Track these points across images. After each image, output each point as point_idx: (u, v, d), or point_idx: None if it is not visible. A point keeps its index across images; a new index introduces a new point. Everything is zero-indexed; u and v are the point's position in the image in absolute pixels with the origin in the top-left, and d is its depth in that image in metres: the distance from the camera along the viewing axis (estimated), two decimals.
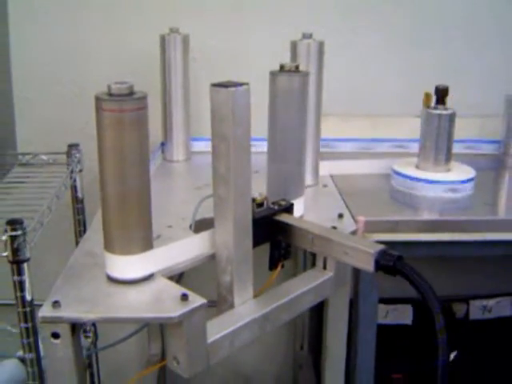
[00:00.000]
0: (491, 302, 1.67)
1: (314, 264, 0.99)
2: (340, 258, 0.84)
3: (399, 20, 1.56)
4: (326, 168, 1.28)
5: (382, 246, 0.79)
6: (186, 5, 1.51)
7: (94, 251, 0.87)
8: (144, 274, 0.79)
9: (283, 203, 0.93)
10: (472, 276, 1.71)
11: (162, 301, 0.75)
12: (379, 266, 0.78)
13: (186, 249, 0.85)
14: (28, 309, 0.82)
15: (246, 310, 0.85)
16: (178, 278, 0.90)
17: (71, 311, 0.72)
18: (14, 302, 1.11)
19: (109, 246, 0.78)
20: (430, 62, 1.59)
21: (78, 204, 1.18)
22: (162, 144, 1.43)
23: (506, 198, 1.26)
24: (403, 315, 1.62)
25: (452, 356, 1.55)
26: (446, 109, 1.21)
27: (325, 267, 0.98)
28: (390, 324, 1.60)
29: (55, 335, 0.73)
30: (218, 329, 0.79)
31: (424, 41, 1.58)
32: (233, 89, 0.76)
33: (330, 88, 1.37)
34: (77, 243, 1.19)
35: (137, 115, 0.72)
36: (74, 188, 1.15)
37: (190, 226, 0.99)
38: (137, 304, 0.74)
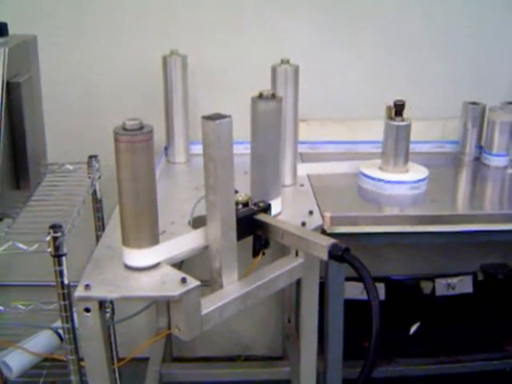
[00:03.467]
0: (455, 280, 1.91)
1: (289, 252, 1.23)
2: (303, 249, 1.08)
3: (370, 32, 1.78)
4: (304, 169, 1.51)
5: (333, 240, 1.03)
6: (184, 27, 1.74)
7: (113, 245, 1.11)
8: (152, 262, 1.03)
9: (262, 205, 1.17)
10: (438, 258, 1.96)
11: (167, 283, 0.99)
12: (331, 255, 1.02)
13: (185, 242, 1.09)
14: (66, 290, 1.07)
15: (232, 289, 1.09)
16: (180, 265, 1.15)
17: (99, 292, 0.97)
18: (40, 283, 1.38)
19: (125, 242, 1.02)
20: (399, 69, 1.81)
21: (97, 203, 1.43)
22: (166, 148, 1.67)
23: (451, 195, 1.50)
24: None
25: (415, 326, 1.81)
26: (403, 120, 1.44)
27: (297, 254, 1.22)
28: (364, 299, 1.84)
29: (87, 310, 0.97)
30: (209, 304, 1.03)
31: (393, 51, 1.79)
32: (218, 121, 1.00)
33: (310, 96, 1.61)
34: (97, 237, 1.43)
35: (146, 144, 0.96)
36: (94, 191, 1.39)
37: (189, 223, 1.23)
38: (147, 286, 0.99)
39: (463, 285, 1.92)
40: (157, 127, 1.02)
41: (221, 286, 1.09)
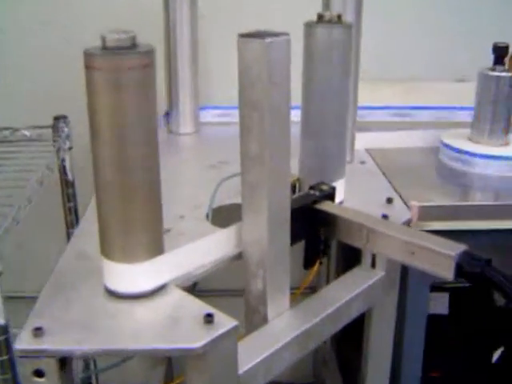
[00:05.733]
0: None
1: (356, 260, 0.81)
2: (403, 260, 0.66)
3: None
4: (361, 141, 1.08)
5: (463, 247, 0.61)
6: None
7: (88, 252, 0.69)
8: (154, 285, 0.60)
9: (325, 188, 0.75)
10: None
11: (179, 323, 0.56)
12: (461, 272, 0.60)
13: (205, 250, 0.67)
14: (2, 337, 0.64)
15: (282, 324, 0.67)
16: (192, 286, 0.72)
17: (59, 341, 0.54)
18: None
19: (107, 252, 0.59)
20: (479, 20, 1.37)
21: (68, 189, 0.99)
22: (167, 114, 1.23)
23: None
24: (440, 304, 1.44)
25: (499, 352, 1.39)
26: (505, 70, 1.02)
27: (373, 265, 0.79)
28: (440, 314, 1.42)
29: (38, 373, 0.55)
30: (250, 354, 0.61)
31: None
32: (269, 40, 0.57)
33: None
34: (68, 236, 1.00)
35: (141, 75, 0.53)
36: (62, 169, 0.96)
37: (207, 216, 0.81)
38: (146, 328, 0.56)
39: None
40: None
41: (264, 320, 0.67)
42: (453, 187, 1.00)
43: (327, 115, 0.79)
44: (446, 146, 1.05)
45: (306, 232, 0.72)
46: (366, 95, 1.21)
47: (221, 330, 0.55)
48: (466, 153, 1.01)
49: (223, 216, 0.82)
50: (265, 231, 0.64)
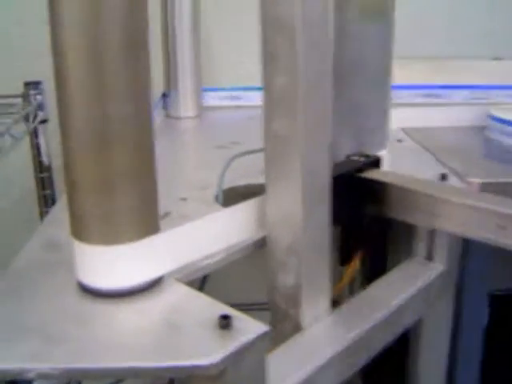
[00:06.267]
0: None
1: (405, 251, 0.63)
2: (489, 237, 0.48)
3: None
4: (394, 119, 0.91)
5: None
6: None
7: (59, 241, 0.51)
8: (146, 277, 0.43)
9: (369, 155, 0.57)
10: None
11: (183, 330, 0.39)
12: None
13: (215, 231, 0.49)
14: None
15: (323, 333, 0.49)
16: (201, 283, 0.54)
17: (6, 357, 0.36)
18: None
19: (79, 230, 0.42)
20: None
21: (42, 172, 0.81)
22: (164, 96, 1.06)
23: None
24: None
25: None
26: None
27: (429, 257, 0.62)
28: None
29: None
30: (281, 373, 0.44)
31: None
32: None
33: None
34: None
35: None
36: (35, 148, 0.78)
37: (216, 198, 0.63)
38: (135, 338, 0.38)
39: None
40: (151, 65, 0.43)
41: (297, 327, 0.49)
42: (508, 164, 0.82)
43: (367, 59, 0.62)
44: (498, 120, 0.87)
45: (346, 210, 0.55)
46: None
47: (243, 339, 0.37)
48: None
49: (237, 199, 0.65)
50: (298, 205, 0.46)
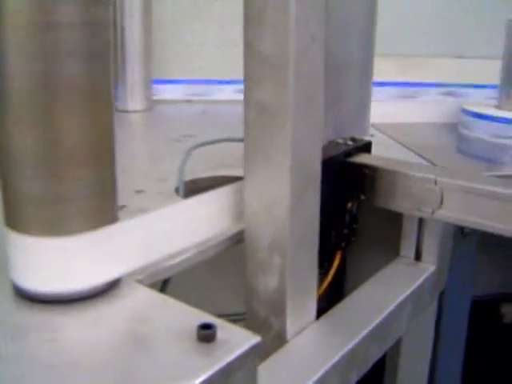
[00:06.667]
0: None
1: (390, 252, 0.57)
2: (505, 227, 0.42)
3: None
4: None
5: None
6: None
7: None
8: (101, 278, 0.34)
9: (358, 139, 0.50)
10: None
11: (152, 345, 0.30)
12: None
13: (185, 222, 0.40)
14: None
15: (311, 346, 0.42)
16: (162, 286, 0.46)
17: None
18: None
19: (15, 217, 0.32)
20: None
21: None
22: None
23: None
24: None
25: None
26: None
27: (418, 257, 0.55)
28: None
29: None
30: None
31: None
32: None
33: None
34: None
35: None
36: None
37: (177, 190, 0.55)
38: (90, 359, 0.29)
39: None
40: None
41: (280, 339, 0.41)
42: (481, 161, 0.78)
43: (348, 48, 0.56)
44: (473, 113, 0.83)
45: (332, 200, 0.47)
46: None
47: (231, 355, 0.29)
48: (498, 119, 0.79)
49: (198, 193, 0.57)
50: (285, 190, 0.38)
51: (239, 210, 0.42)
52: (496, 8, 1.15)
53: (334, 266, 0.53)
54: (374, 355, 0.46)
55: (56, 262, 0.32)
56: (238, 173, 0.63)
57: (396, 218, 0.57)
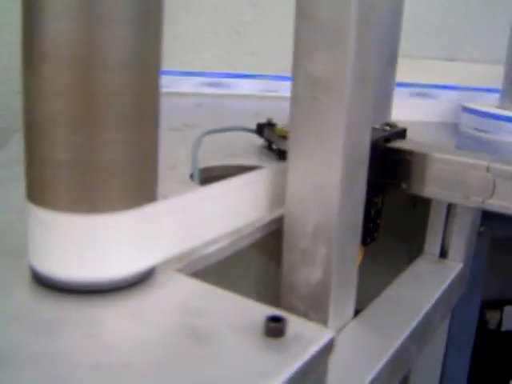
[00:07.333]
0: None
1: (413, 249, 0.54)
2: None
3: None
4: None
5: None
6: None
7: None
8: (142, 265, 0.29)
9: (393, 125, 0.47)
10: None
11: (214, 341, 0.26)
12: None
13: (227, 207, 0.36)
14: None
15: (354, 344, 0.38)
16: None
17: None
18: None
19: (41, 192, 0.27)
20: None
21: None
22: None
23: None
24: None
25: None
26: None
27: (443, 253, 0.52)
28: None
29: None
30: None
31: None
32: None
33: None
34: None
35: None
36: None
37: (192, 176, 0.50)
38: (138, 358, 0.25)
39: None
40: None
41: None
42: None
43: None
44: (472, 111, 0.81)
45: (370, 188, 0.44)
46: None
47: (308, 352, 0.25)
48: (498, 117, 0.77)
49: (212, 182, 0.53)
50: (337, 172, 0.35)
51: (277, 194, 0.38)
52: (487, 12, 1.15)
53: (360, 252, 0.49)
54: (414, 356, 0.42)
55: (92, 244, 0.27)
56: (249, 162, 0.59)
57: (419, 213, 0.54)
